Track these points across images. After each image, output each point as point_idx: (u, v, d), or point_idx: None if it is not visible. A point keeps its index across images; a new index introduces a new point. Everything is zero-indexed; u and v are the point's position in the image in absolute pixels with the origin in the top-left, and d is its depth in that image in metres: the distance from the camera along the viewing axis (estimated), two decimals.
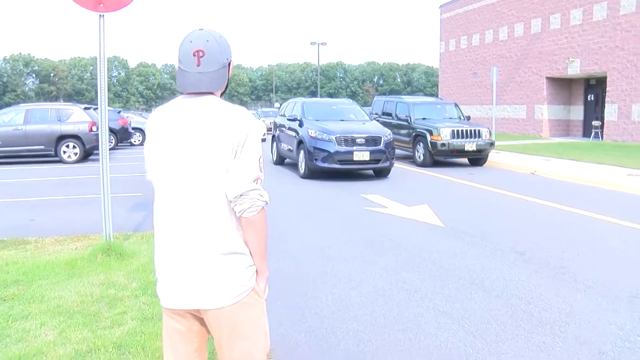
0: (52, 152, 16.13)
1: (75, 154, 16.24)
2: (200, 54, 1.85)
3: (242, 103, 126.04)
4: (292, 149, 13.12)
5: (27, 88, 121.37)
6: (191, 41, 1.87)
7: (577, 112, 27.10)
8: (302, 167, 12.27)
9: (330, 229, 7.14)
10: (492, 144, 14.71)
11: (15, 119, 16.21)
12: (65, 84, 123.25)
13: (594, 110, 25.81)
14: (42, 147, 16.06)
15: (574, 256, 5.70)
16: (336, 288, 4.72)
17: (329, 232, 6.95)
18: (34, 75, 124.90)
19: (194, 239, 1.86)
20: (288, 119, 13.58)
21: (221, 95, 2.01)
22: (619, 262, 5.52)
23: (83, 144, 16.22)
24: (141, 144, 25.79)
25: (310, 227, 7.25)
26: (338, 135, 11.69)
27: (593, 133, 24.03)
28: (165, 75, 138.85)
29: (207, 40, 1.87)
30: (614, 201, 9.32)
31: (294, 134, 12.99)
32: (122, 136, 23.43)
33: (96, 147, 17.35)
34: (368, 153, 11.70)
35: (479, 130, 14.29)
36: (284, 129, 14.09)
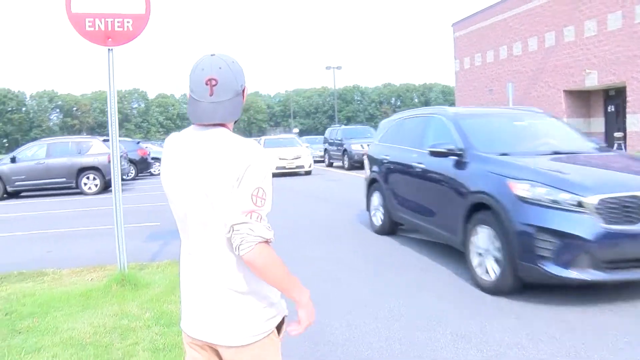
0: (73, 184, 16.39)
1: (96, 185, 16.48)
2: (213, 82, 1.75)
3: (261, 130, 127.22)
4: (436, 211, 6.33)
5: (51, 123, 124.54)
6: (203, 69, 1.78)
7: (597, 124, 26.68)
8: (491, 267, 5.06)
9: (341, 254, 7.03)
10: None
11: (38, 153, 16.56)
12: (87, 117, 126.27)
13: (615, 121, 25.37)
14: (64, 179, 16.34)
15: None
16: (351, 314, 4.61)
17: (337, 256, 6.84)
18: (57, 110, 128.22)
19: (206, 274, 1.81)
20: (415, 152, 6.92)
21: (235, 122, 1.92)
22: None
23: (103, 175, 16.44)
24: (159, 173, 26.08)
25: (318, 251, 7.15)
26: (602, 197, 4.51)
27: (616, 145, 23.56)
28: (184, 105, 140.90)
29: (220, 68, 1.77)
30: None
31: (445, 186, 6.04)
32: (141, 166, 23.72)
33: None
34: None
35: None
36: (400, 167, 7.43)
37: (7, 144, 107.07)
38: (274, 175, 17.22)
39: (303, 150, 21.31)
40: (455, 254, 6.52)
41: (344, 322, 4.42)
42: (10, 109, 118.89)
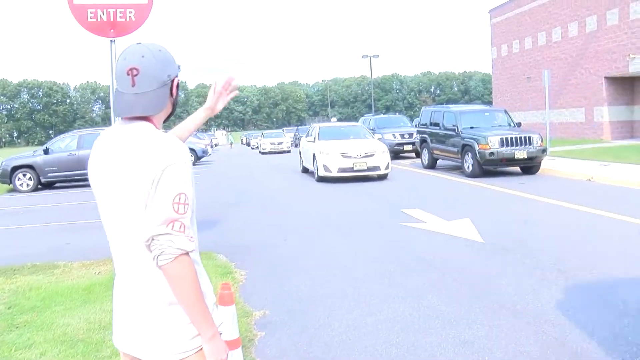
0: None
1: None
2: (135, 72, 1.63)
3: (300, 119, 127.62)
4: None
5: (94, 114, 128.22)
6: (125, 58, 1.65)
7: None
8: None
9: (360, 246, 6.82)
10: (544, 151, 13.93)
11: (70, 145, 16.89)
12: None
13: None
14: None
15: (628, 277, 5.12)
16: (352, 313, 4.41)
17: (358, 249, 6.63)
18: (100, 101, 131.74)
19: (129, 284, 1.67)
20: None
21: (167, 118, 1.78)
22: None
23: None
24: (194, 163, 26.35)
25: (339, 244, 6.96)
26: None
27: None
28: None
29: (143, 56, 1.64)
30: None
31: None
32: None
33: None
34: None
35: (529, 137, 13.56)
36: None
37: (52, 135, 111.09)
38: (335, 179, 14.09)
39: (376, 144, 14.51)
40: (469, 255, 6.24)
41: (343, 322, 4.22)
42: (55, 101, 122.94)
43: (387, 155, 14.28)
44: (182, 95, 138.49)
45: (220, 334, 1.69)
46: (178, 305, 1.61)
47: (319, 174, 14.20)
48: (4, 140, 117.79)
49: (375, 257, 6.22)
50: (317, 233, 7.83)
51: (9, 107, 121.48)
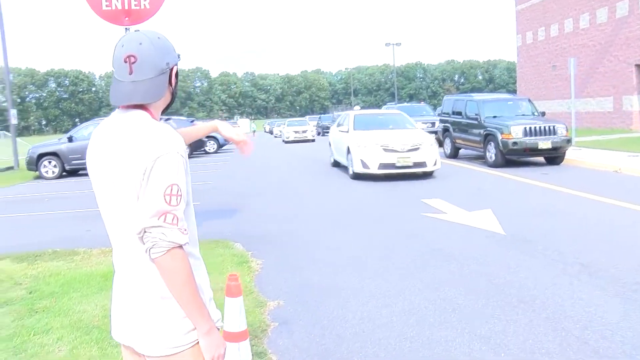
0: None
1: None
2: (132, 59, 1.59)
3: (323, 107, 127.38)
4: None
5: None
6: (123, 45, 1.62)
7: None
8: None
9: (378, 236, 6.75)
10: (569, 141, 13.60)
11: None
12: None
13: None
14: None
15: None
16: (367, 305, 4.36)
17: (375, 240, 6.57)
18: None
19: (126, 276, 1.65)
20: None
21: (167, 108, 1.74)
22: None
23: None
24: (215, 151, 26.48)
25: (357, 236, 6.90)
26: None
27: None
28: (247, 83, 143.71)
29: (141, 43, 1.61)
30: None
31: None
32: (195, 145, 24.19)
33: None
34: None
35: (554, 127, 13.25)
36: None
37: (78, 123, 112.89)
38: (374, 177, 11.99)
39: (422, 135, 12.45)
40: (489, 246, 6.13)
41: (357, 313, 4.18)
42: (81, 89, 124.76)
43: (436, 149, 12.15)
44: (206, 84, 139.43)
45: (219, 328, 1.66)
46: (172, 299, 1.58)
47: (355, 170, 12.08)
48: (33, 128, 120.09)
49: (392, 248, 6.15)
50: (334, 223, 7.78)
51: (37, 95, 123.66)
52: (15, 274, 5.51)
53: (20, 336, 3.90)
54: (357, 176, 12.15)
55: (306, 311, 4.31)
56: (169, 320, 1.59)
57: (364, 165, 11.82)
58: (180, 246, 1.52)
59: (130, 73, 1.59)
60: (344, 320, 4.06)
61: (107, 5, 5.04)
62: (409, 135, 12.33)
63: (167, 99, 1.71)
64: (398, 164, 11.60)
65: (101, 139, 1.65)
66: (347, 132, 13.18)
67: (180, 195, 1.53)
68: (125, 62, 1.60)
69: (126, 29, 5.14)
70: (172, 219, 1.50)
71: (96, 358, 3.45)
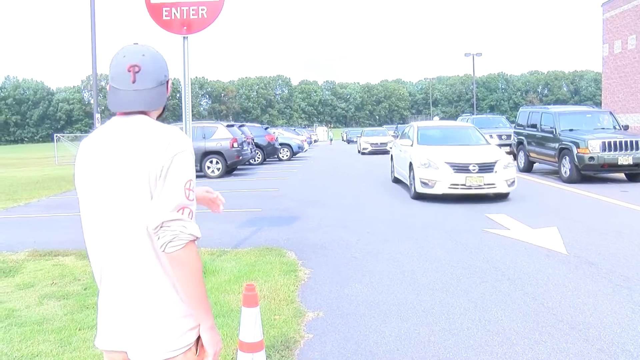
0: (197, 168, 17.43)
1: (218, 169, 17.37)
2: (136, 69, 1.70)
3: (402, 117, 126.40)
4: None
5: (201, 108, 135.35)
6: (125, 56, 1.73)
7: None
8: None
9: (434, 250, 6.54)
10: None
11: None
12: (233, 103, 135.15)
13: None
14: None
15: None
16: (407, 322, 4.22)
17: (430, 254, 6.37)
18: (207, 96, 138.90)
19: (119, 281, 1.69)
20: None
21: (158, 117, 1.83)
22: None
23: (225, 159, 17.29)
24: (289, 159, 26.70)
25: (413, 249, 6.72)
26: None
27: None
28: (327, 92, 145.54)
29: (143, 55, 1.73)
30: None
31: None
32: (269, 151, 24.72)
33: (238, 163, 18.47)
34: None
35: (636, 142, 12.35)
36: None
37: None
38: (438, 199, 10.71)
39: (495, 152, 11.06)
40: (548, 266, 5.78)
41: (395, 330, 4.05)
42: (168, 95, 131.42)
43: (513, 169, 10.76)
44: (286, 92, 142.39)
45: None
46: (167, 301, 1.63)
47: (417, 190, 10.83)
48: None
49: (446, 264, 5.94)
50: (390, 236, 7.63)
51: None
52: (76, 270, 5.84)
53: (67, 330, 4.10)
54: (419, 196, 10.92)
55: (344, 324, 4.23)
56: (163, 324, 1.63)
57: (428, 185, 10.65)
58: (194, 240, 1.61)
59: (134, 82, 1.69)
60: (381, 337, 3.94)
61: (167, 15, 5.25)
62: (481, 152, 10.99)
63: (159, 109, 1.80)
64: (467, 184, 10.30)
65: (103, 143, 1.70)
66: (411, 146, 12.00)
67: (195, 191, 1.66)
68: (129, 71, 1.69)
69: (184, 37, 5.32)
70: (189, 214, 1.62)
71: None
